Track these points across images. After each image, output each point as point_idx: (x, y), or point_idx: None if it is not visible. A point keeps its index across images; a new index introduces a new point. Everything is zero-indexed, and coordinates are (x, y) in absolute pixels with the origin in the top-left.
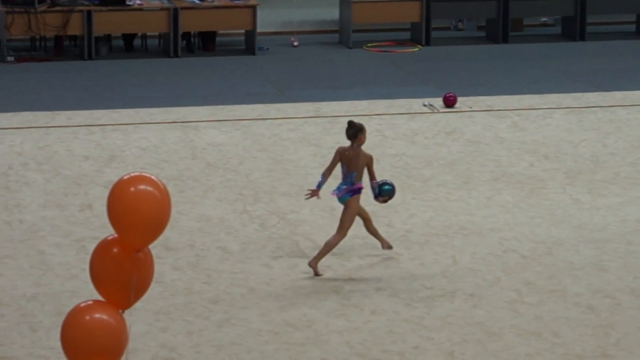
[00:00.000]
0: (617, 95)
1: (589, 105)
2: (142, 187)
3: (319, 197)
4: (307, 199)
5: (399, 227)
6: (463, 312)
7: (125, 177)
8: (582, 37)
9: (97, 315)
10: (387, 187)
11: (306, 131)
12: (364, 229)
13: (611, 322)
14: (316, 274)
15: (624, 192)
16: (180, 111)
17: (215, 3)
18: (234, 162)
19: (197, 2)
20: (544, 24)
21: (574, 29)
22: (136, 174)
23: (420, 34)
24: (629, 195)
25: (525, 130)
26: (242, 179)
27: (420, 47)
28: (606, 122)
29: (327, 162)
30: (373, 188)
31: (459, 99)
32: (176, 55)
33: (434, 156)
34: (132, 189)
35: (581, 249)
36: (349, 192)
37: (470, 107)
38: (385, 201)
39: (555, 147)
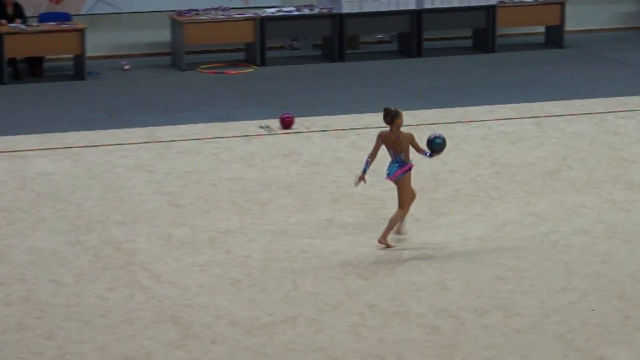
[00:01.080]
0: (456, 112)
1: (428, 122)
2: None
3: (365, 182)
4: (357, 185)
5: (237, 253)
6: (305, 337)
7: None
8: (419, 54)
9: None
10: (438, 140)
11: (140, 157)
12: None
13: (455, 342)
14: (388, 246)
15: (465, 210)
16: (8, 140)
17: (42, 27)
18: (65, 192)
19: (23, 27)
20: (381, 41)
21: (410, 46)
22: None
23: (255, 54)
24: (470, 212)
25: (365, 150)
26: (74, 209)
27: (255, 67)
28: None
29: (164, 188)
30: (425, 153)
31: (296, 119)
32: (2, 82)
33: (272, 179)
34: None
35: (424, 269)
36: (402, 172)
37: (308, 128)
38: (440, 152)
39: None
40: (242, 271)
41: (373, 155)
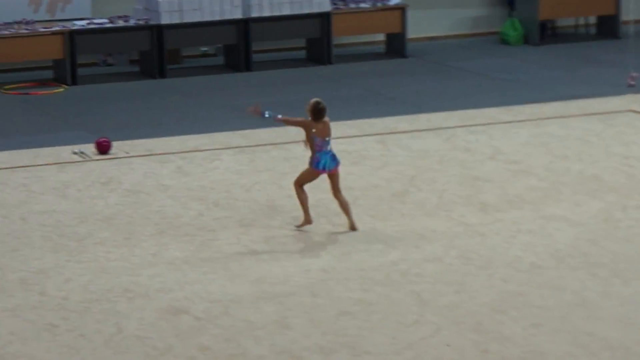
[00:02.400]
0: (292, 130)
1: (261, 143)
2: None
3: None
4: (250, 112)
5: (53, 295)
6: None
7: None
8: (247, 67)
9: None
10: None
11: None
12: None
13: None
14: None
15: (305, 238)
16: None
17: None
18: None
19: None
20: (205, 55)
21: (238, 59)
22: None
23: (65, 72)
24: (311, 241)
25: (191, 175)
26: None
27: (65, 87)
28: (280, 161)
29: None
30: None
31: (114, 143)
32: None
33: (89, 211)
34: None
35: (261, 306)
36: (337, 162)
37: (128, 153)
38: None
39: (226, 192)
40: (59, 315)
41: (288, 122)
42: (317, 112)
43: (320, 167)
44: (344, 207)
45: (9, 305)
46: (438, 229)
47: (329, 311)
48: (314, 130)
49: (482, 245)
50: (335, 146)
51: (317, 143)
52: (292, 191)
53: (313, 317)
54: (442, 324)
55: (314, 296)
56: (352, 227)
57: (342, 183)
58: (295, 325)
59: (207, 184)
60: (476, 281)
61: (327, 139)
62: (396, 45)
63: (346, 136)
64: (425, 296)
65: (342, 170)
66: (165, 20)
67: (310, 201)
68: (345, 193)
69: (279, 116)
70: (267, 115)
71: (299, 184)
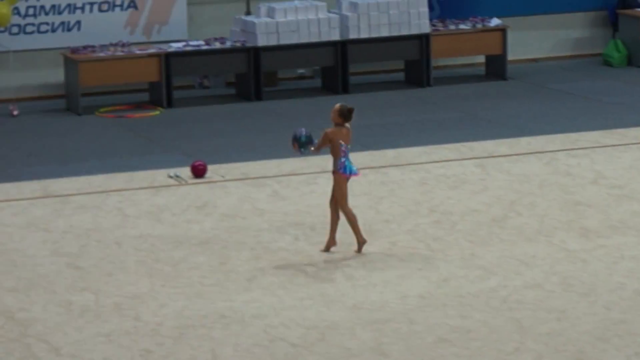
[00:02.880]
0: (389, 154)
1: (358, 166)
2: None
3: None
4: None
5: (148, 320)
6: None
7: None
8: (345, 90)
9: None
10: (303, 136)
11: (33, 214)
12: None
13: None
14: (364, 241)
15: (403, 264)
16: None
17: None
18: None
19: None
20: (302, 77)
21: (335, 81)
22: None
23: (161, 95)
24: (409, 267)
25: (288, 200)
26: None
27: (161, 109)
28: (378, 185)
29: (62, 248)
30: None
31: (209, 167)
32: None
33: (184, 235)
34: None
35: (358, 332)
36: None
37: (223, 176)
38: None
39: (322, 217)
40: (154, 341)
41: (320, 147)
42: (347, 114)
43: (348, 171)
44: (353, 221)
45: (104, 331)
46: (538, 255)
47: (427, 338)
48: (339, 139)
49: (584, 271)
50: (433, 170)
51: (343, 149)
52: (338, 213)
53: (410, 344)
54: (543, 352)
55: (411, 323)
56: (361, 245)
57: (440, 207)
58: (392, 353)
59: (303, 209)
60: (578, 308)
61: (349, 145)
62: (496, 67)
63: (445, 160)
64: (526, 323)
65: (440, 194)
66: (262, 42)
67: (403, 232)
68: (443, 218)
69: (312, 148)
70: (303, 151)
71: (345, 201)
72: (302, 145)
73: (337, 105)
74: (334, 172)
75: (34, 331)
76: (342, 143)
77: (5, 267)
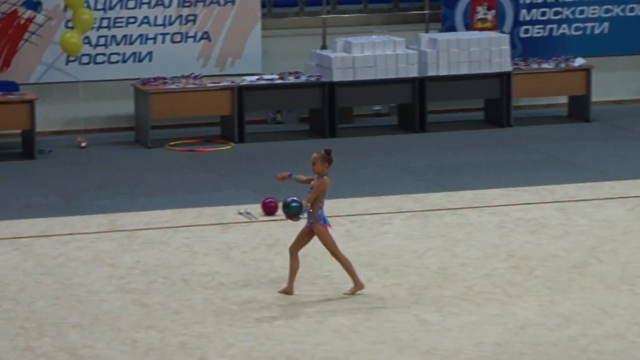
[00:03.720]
0: (466, 195)
1: (434, 207)
2: None
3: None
4: (277, 178)
5: None
6: None
7: None
8: (422, 128)
9: None
10: (294, 204)
11: (99, 249)
12: None
13: None
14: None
15: (479, 310)
16: None
17: None
18: (13, 290)
19: None
20: (378, 114)
21: (412, 119)
22: None
23: (232, 129)
24: (485, 312)
25: (361, 240)
26: (24, 309)
27: (232, 144)
28: (454, 227)
29: (127, 285)
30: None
31: (281, 205)
32: None
33: (253, 274)
34: None
35: None
36: None
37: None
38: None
39: (396, 258)
40: None
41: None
42: (331, 160)
43: (327, 222)
44: (348, 266)
45: None
46: (620, 304)
47: None
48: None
49: None
50: (511, 213)
51: (322, 200)
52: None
53: None
54: None
55: None
56: (358, 289)
57: (519, 251)
58: None
59: (377, 249)
60: None
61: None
62: (579, 109)
63: (524, 203)
64: None
65: (519, 238)
66: (337, 77)
67: (479, 276)
68: (521, 262)
69: (302, 216)
70: (300, 216)
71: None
72: (295, 211)
73: (316, 154)
74: (314, 224)
75: None
76: (325, 193)
77: (69, 302)
